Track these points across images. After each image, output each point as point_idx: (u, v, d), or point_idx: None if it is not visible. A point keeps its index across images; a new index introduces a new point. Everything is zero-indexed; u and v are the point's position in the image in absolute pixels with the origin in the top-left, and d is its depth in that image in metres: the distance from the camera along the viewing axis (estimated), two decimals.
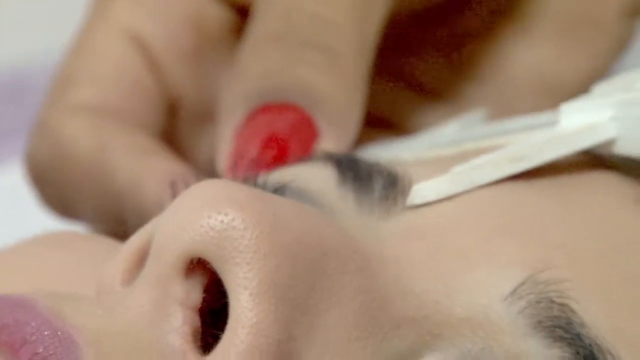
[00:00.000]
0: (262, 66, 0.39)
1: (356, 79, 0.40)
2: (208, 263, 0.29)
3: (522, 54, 0.46)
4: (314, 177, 0.35)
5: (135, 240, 0.31)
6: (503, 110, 0.44)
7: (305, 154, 0.39)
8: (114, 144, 0.41)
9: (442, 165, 0.34)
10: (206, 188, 0.30)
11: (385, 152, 0.38)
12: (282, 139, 0.38)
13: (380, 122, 0.46)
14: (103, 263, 0.32)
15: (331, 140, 0.39)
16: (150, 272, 0.29)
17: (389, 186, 0.34)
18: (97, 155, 0.41)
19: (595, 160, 0.36)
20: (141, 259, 0.30)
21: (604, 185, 0.36)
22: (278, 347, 0.28)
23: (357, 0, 0.40)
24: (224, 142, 0.39)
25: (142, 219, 0.38)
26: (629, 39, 0.46)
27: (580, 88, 0.44)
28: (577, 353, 0.30)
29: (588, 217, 0.34)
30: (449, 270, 0.32)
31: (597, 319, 0.31)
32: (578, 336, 0.31)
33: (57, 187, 0.42)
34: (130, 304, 0.30)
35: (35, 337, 0.28)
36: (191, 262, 0.29)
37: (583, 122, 0.34)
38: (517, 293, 0.31)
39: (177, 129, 0.44)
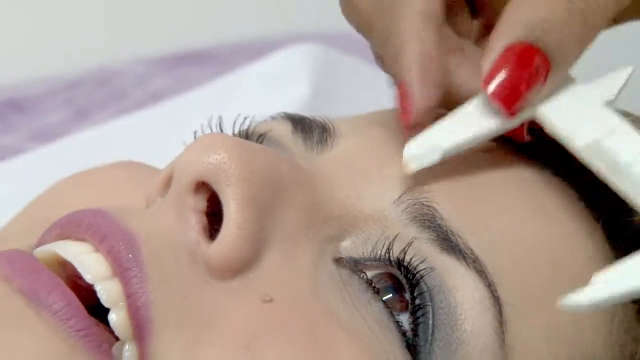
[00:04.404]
0: (546, 15, 0.42)
1: (584, 42, 0.43)
2: (209, 185, 0.38)
3: None
4: (278, 128, 0.45)
5: (166, 169, 0.41)
6: None
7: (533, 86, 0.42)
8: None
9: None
10: (208, 138, 0.39)
11: None
12: (526, 71, 0.42)
13: None
14: (148, 179, 0.42)
15: (551, 82, 0.42)
16: (173, 190, 0.39)
17: (322, 134, 0.44)
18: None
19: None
20: (170, 180, 0.40)
21: None
22: (254, 234, 0.38)
23: None
24: (491, 52, 0.42)
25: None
26: None
27: None
28: (438, 235, 0.40)
29: None
30: (359, 184, 0.41)
31: (451, 215, 0.41)
32: (439, 226, 0.40)
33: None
34: (165, 213, 0.39)
35: (111, 235, 0.37)
36: (198, 184, 0.38)
37: None
38: (401, 199, 0.41)
39: None
